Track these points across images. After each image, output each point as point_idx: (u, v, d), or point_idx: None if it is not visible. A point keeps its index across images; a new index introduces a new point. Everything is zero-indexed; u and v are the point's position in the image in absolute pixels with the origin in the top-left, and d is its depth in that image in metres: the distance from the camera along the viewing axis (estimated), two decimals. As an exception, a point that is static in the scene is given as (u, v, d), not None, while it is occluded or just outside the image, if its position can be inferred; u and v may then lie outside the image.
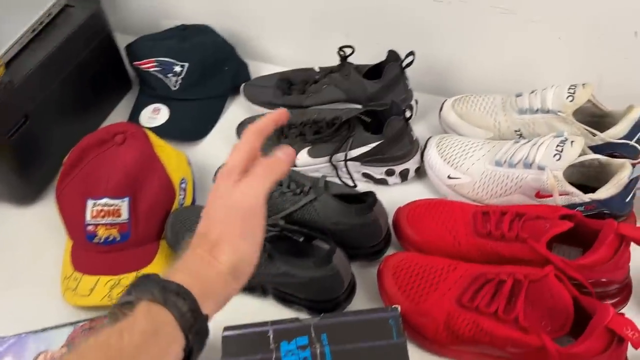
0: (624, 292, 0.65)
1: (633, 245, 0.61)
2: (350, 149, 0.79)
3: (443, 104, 0.85)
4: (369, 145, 0.78)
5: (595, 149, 0.72)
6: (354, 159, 0.79)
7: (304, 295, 0.67)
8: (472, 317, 0.60)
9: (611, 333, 0.53)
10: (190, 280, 0.43)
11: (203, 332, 0.43)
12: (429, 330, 0.62)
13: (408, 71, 0.85)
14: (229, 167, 0.49)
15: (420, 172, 0.81)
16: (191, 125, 0.90)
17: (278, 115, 0.54)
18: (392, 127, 0.76)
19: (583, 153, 0.70)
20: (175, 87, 0.90)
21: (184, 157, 0.82)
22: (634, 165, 0.66)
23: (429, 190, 0.80)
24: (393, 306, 0.62)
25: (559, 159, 0.67)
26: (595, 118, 0.77)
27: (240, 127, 0.86)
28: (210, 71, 0.92)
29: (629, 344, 0.52)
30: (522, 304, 0.58)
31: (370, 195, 0.68)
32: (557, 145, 0.68)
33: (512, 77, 0.85)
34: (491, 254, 0.65)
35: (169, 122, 0.88)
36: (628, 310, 0.66)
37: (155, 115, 0.89)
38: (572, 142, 0.67)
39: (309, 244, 0.68)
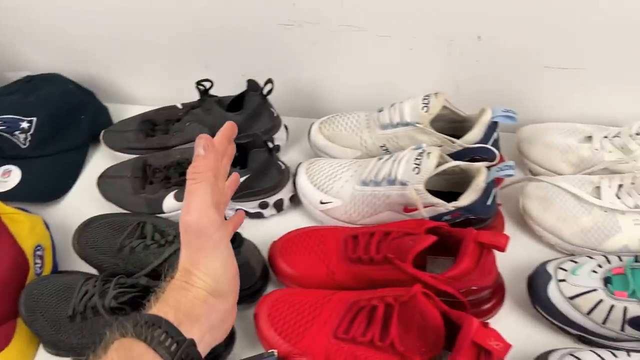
0: (498, 294, 0.66)
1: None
2: (218, 187, 0.75)
3: (311, 127, 0.84)
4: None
5: (456, 155, 0.73)
6: (223, 197, 0.76)
7: (179, 354, 0.62)
8: (350, 349, 0.58)
9: (478, 346, 0.52)
10: (166, 309, 0.43)
11: (194, 356, 0.42)
12: (310, 371, 0.60)
13: (276, 97, 0.83)
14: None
15: (297, 200, 0.79)
16: (48, 183, 0.83)
17: (227, 131, 0.52)
18: (256, 159, 0.73)
19: (443, 161, 0.70)
20: (25, 144, 0.83)
21: (39, 221, 0.75)
22: (489, 167, 0.67)
23: (306, 218, 0.78)
24: (270, 351, 0.59)
25: (418, 173, 0.66)
26: (455, 124, 0.78)
27: (101, 180, 0.80)
28: (63, 122, 0.85)
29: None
30: (396, 328, 0.56)
31: (236, 237, 0.65)
32: (416, 159, 0.67)
33: (375, 92, 0.85)
34: (365, 279, 0.64)
35: (22, 184, 0.81)
36: (506, 310, 0.67)
37: (6, 178, 0.81)
38: (428, 153, 0.67)
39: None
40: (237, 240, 0.64)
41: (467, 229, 0.61)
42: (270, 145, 0.74)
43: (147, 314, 0.42)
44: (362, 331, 0.58)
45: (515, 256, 0.70)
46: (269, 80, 0.80)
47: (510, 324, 0.66)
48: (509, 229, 0.75)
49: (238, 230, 0.67)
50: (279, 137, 0.86)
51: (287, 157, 0.86)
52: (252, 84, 0.81)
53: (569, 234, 0.70)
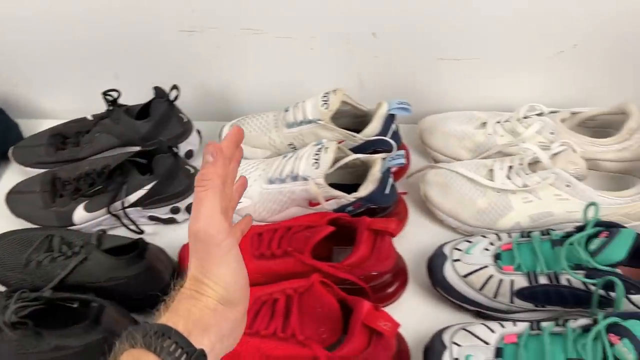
0: (400, 277, 0.69)
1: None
2: (127, 195, 0.75)
3: (221, 130, 0.85)
4: (145, 187, 0.75)
5: (358, 149, 0.75)
6: (134, 205, 0.76)
7: (87, 364, 0.63)
8: (255, 342, 0.59)
9: (370, 328, 0.55)
10: (175, 318, 0.42)
11: None
12: (219, 367, 0.61)
13: (187, 103, 0.84)
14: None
15: (209, 203, 0.80)
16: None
17: (234, 135, 0.49)
18: (162, 165, 0.74)
19: (344, 155, 0.73)
20: None
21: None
22: (384, 158, 0.70)
23: (220, 220, 0.79)
24: (176, 352, 0.60)
25: (317, 167, 0.69)
26: (358, 119, 0.81)
27: (9, 197, 0.79)
28: (-31, 140, 0.84)
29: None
30: (296, 318, 0.58)
31: (139, 243, 0.66)
32: (315, 154, 0.70)
33: (282, 93, 0.87)
34: (271, 274, 0.65)
35: None
36: (410, 292, 0.70)
37: None
38: (326, 148, 0.70)
39: (88, 308, 0.64)
40: (139, 246, 0.65)
41: (362, 217, 0.64)
42: (175, 150, 0.75)
43: (157, 324, 0.41)
44: (266, 324, 0.60)
45: (420, 240, 0.74)
46: (174, 87, 0.81)
47: (414, 305, 0.69)
48: (414, 215, 0.79)
49: (142, 237, 0.68)
50: (192, 142, 0.87)
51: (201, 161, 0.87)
52: (158, 91, 0.82)
53: (466, 216, 0.74)
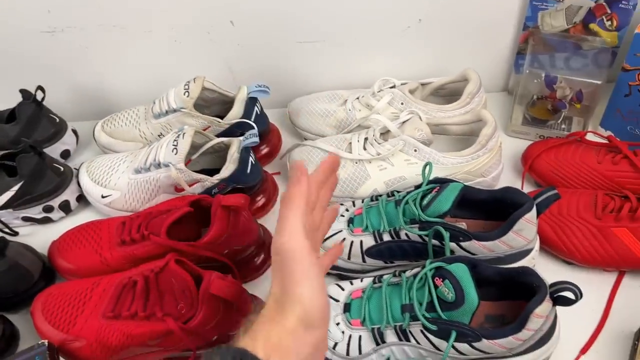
0: (265, 249, 0.72)
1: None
2: (-5, 198, 0.76)
3: (94, 127, 0.86)
4: (13, 189, 0.76)
5: (225, 133, 0.79)
6: (4, 207, 0.77)
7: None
8: (118, 325, 0.61)
9: (215, 296, 0.58)
10: (254, 342, 0.41)
11: None
12: (85, 353, 0.63)
13: (62, 103, 0.85)
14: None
15: (85, 199, 0.81)
16: None
17: (329, 163, 0.50)
18: (26, 165, 0.75)
19: (208, 140, 0.76)
20: None
21: None
22: (244, 139, 0.73)
23: (96, 215, 0.81)
24: (40, 342, 0.62)
25: (176, 153, 0.71)
26: (227, 105, 0.83)
27: None
28: None
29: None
30: (155, 297, 0.61)
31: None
32: (174, 141, 0.72)
33: (153, 86, 0.88)
34: (134, 260, 0.67)
35: None
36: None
37: None
38: (183, 134, 0.72)
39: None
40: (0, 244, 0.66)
41: (216, 196, 0.67)
42: (39, 149, 0.76)
43: (234, 348, 0.41)
44: (128, 306, 0.62)
45: (290, 216, 0.77)
46: (39, 88, 0.82)
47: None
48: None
49: (5, 236, 0.69)
50: (66, 142, 0.87)
51: (80, 160, 0.88)
52: (24, 94, 0.82)
53: (329, 188, 0.78)
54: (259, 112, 0.81)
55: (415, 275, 0.59)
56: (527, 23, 0.86)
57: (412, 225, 0.64)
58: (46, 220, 0.80)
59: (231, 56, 0.88)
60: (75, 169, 0.82)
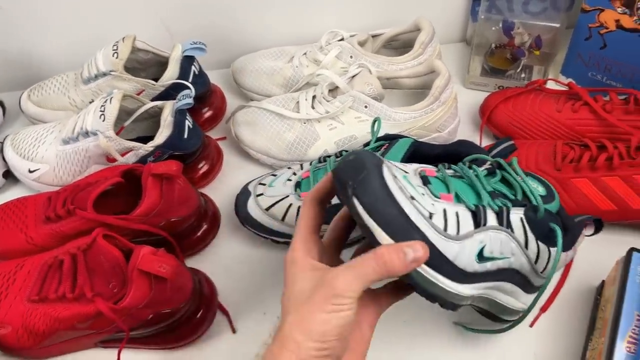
0: (207, 220, 0.67)
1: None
2: None
3: (20, 97, 0.79)
4: None
5: (160, 97, 0.73)
6: None
7: None
8: (44, 309, 0.56)
9: (146, 272, 0.53)
10: None
11: None
12: (11, 340, 0.58)
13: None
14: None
15: (13, 175, 0.75)
16: None
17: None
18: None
19: (141, 104, 0.70)
20: None
21: None
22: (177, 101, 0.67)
23: (26, 191, 0.75)
24: (-40, 332, 0.56)
25: (104, 120, 0.65)
26: (164, 67, 0.77)
27: None
28: None
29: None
30: (83, 276, 0.56)
31: None
32: (101, 107, 0.66)
33: (85, 49, 0.81)
34: (62, 238, 0.62)
35: None
36: (225, 233, 0.69)
37: None
38: (110, 99, 0.66)
39: None
40: None
41: (147, 164, 0.61)
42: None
43: None
44: (55, 288, 0.57)
45: (237, 183, 0.72)
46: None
47: (229, 246, 0.68)
48: (232, 158, 0.77)
49: None
50: (-6, 114, 0.80)
51: (7, 133, 0.81)
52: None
53: (277, 151, 0.73)
54: (197, 72, 0.75)
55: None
56: (481, -35, 0.81)
57: (361, 185, 0.59)
58: (-27, 197, 0.74)
59: (168, 15, 0.82)
60: (0, 142, 0.75)
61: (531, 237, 0.46)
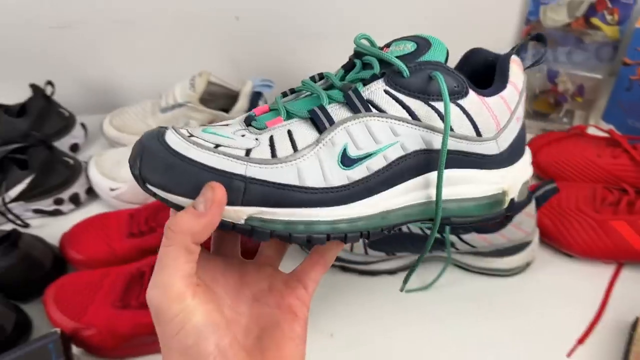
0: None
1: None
2: (7, 190, 0.78)
3: (103, 121, 0.88)
4: (24, 182, 0.78)
5: (229, 126, 0.80)
6: (16, 200, 0.79)
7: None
8: (127, 314, 0.63)
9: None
10: None
11: None
12: (95, 341, 0.65)
13: (71, 97, 0.87)
14: None
15: (94, 192, 0.83)
16: None
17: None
18: (36, 159, 0.77)
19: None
20: None
21: None
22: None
23: (105, 207, 0.83)
24: (52, 330, 0.64)
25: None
26: (231, 99, 0.85)
27: None
28: None
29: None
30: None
31: (11, 233, 0.68)
32: (180, 135, 0.74)
33: (159, 81, 0.90)
34: (142, 251, 0.69)
35: None
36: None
37: None
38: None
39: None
40: (11, 236, 0.68)
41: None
42: (50, 144, 0.78)
43: None
44: (137, 296, 0.64)
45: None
46: (49, 82, 0.84)
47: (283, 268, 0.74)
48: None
49: (17, 228, 0.71)
50: (75, 136, 0.89)
51: (88, 153, 0.90)
52: (34, 88, 0.84)
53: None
54: (263, 107, 0.82)
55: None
56: (529, 17, 0.87)
57: (413, 218, 0.65)
58: (56, 213, 0.82)
59: (236, 51, 0.90)
60: (85, 162, 0.84)
61: (412, 102, 0.36)
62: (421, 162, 0.36)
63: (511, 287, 0.68)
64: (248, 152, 0.33)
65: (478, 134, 0.37)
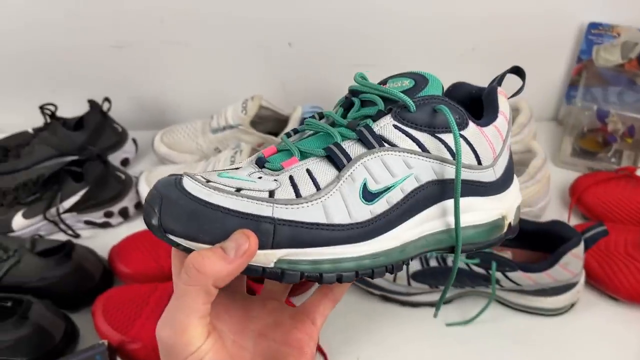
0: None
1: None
2: (62, 201, 0.81)
3: (154, 138, 0.91)
4: (78, 194, 0.80)
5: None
6: (69, 210, 0.81)
7: (21, 356, 0.67)
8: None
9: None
10: None
11: None
12: (141, 355, 0.66)
13: (123, 113, 0.90)
14: None
15: (142, 206, 0.86)
16: None
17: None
18: (91, 172, 0.80)
19: (262, 157, 0.79)
20: None
21: None
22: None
23: (152, 221, 0.85)
24: (100, 342, 0.65)
25: (233, 169, 0.74)
26: (279, 123, 0.87)
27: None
28: None
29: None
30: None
31: (66, 244, 0.71)
32: (231, 157, 0.76)
33: (211, 100, 0.93)
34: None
35: None
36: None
37: None
38: (241, 150, 0.76)
39: (22, 306, 0.69)
40: (66, 248, 0.70)
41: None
42: (104, 158, 0.81)
43: None
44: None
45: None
46: (106, 99, 0.87)
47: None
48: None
49: (78, 240, 0.73)
50: (127, 151, 0.92)
51: (138, 168, 0.92)
52: (92, 104, 0.87)
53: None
54: (311, 132, 0.84)
55: None
56: (581, 56, 0.87)
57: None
58: (106, 225, 0.84)
59: (286, 76, 0.92)
60: (135, 177, 0.86)
61: (420, 135, 0.37)
62: (434, 193, 0.37)
63: (554, 327, 0.68)
64: (271, 193, 0.33)
65: (479, 162, 0.39)
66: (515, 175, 0.45)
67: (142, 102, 0.96)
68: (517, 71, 0.43)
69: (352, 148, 0.36)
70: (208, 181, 0.33)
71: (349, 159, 0.35)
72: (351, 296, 0.74)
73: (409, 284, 0.70)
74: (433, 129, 0.37)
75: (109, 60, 0.90)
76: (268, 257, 0.32)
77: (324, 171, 0.35)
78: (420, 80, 0.38)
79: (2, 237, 0.78)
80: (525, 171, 0.75)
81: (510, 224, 0.42)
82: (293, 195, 0.34)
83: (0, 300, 0.68)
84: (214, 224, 0.31)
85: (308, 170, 0.35)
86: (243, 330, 0.37)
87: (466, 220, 0.39)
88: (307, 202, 0.33)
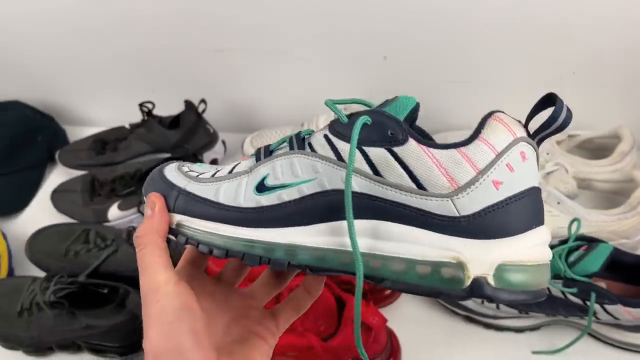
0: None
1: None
2: (156, 197, 0.84)
3: (243, 141, 0.93)
4: (172, 191, 0.84)
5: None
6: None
7: (113, 343, 0.70)
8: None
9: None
10: None
11: None
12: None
13: (214, 115, 0.93)
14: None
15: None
16: (6, 198, 0.91)
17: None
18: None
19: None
20: (-18, 165, 0.91)
21: (-5, 231, 0.84)
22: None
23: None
24: None
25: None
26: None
27: (54, 195, 0.89)
28: (21, 143, 0.94)
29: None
30: (297, 311, 0.65)
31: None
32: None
33: (300, 108, 0.94)
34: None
35: (-20, 200, 0.90)
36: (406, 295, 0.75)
37: (-34, 194, 0.90)
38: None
39: (116, 293, 0.72)
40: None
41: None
42: (199, 157, 0.83)
43: None
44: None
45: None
46: (202, 100, 0.90)
47: (410, 307, 0.74)
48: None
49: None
50: (217, 151, 0.95)
51: (225, 169, 0.95)
52: (188, 104, 0.91)
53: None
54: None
55: None
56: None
57: (556, 281, 0.63)
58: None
59: (379, 89, 0.92)
60: (225, 178, 0.89)
61: (343, 145, 0.36)
62: (340, 203, 0.35)
63: (649, 366, 0.65)
64: (202, 174, 0.40)
65: (419, 186, 0.34)
66: (539, 230, 0.34)
67: (234, 105, 0.99)
68: (550, 100, 0.37)
69: (278, 151, 0.39)
70: (183, 167, 0.42)
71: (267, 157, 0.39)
72: (435, 313, 0.73)
73: (497, 307, 0.68)
74: (359, 142, 0.36)
75: (208, 63, 0.93)
76: (174, 218, 0.39)
77: (245, 165, 0.40)
78: (391, 99, 0.39)
79: (100, 226, 0.82)
80: (625, 202, 0.73)
81: (479, 280, 0.32)
82: (209, 177, 0.40)
83: (97, 286, 0.72)
84: (153, 186, 0.40)
85: (239, 164, 0.41)
86: (220, 311, 0.43)
87: (394, 250, 0.34)
88: (209, 182, 0.39)
